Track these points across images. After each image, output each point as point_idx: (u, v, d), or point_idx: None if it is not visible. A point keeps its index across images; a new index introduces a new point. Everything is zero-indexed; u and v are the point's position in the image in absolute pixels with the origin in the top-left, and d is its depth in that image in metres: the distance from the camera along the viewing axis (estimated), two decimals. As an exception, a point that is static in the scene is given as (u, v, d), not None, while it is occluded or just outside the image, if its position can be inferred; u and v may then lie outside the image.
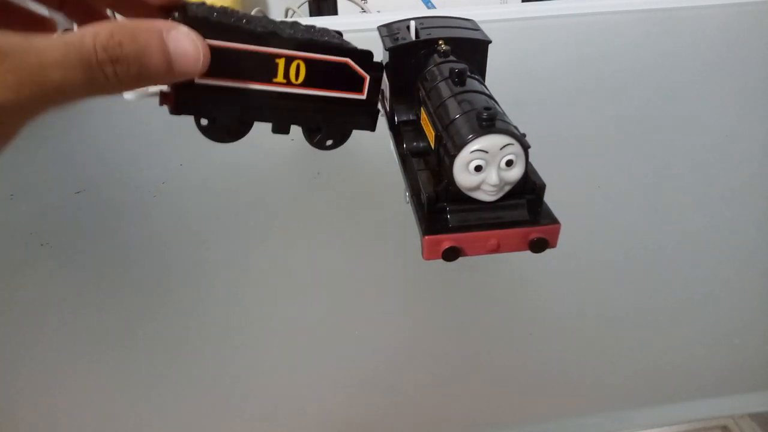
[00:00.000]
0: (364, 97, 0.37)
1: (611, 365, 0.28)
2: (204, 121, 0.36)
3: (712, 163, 0.42)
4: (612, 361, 0.29)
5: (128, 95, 0.33)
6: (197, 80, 0.33)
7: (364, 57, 0.35)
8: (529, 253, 0.28)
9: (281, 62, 0.34)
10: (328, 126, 0.39)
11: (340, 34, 0.39)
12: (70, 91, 0.23)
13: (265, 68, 0.34)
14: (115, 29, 0.24)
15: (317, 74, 0.35)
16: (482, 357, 0.29)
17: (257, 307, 0.32)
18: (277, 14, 0.93)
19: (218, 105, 0.35)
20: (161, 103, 0.34)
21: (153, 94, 0.34)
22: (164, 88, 0.33)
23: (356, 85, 0.36)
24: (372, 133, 0.40)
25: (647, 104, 0.50)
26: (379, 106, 0.40)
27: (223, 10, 0.34)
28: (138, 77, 0.25)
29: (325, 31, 0.38)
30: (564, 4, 0.70)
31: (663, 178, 0.41)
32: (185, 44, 0.26)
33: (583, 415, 0.27)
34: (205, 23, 0.31)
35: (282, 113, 0.36)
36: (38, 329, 0.31)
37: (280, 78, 0.34)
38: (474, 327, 0.31)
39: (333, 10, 0.85)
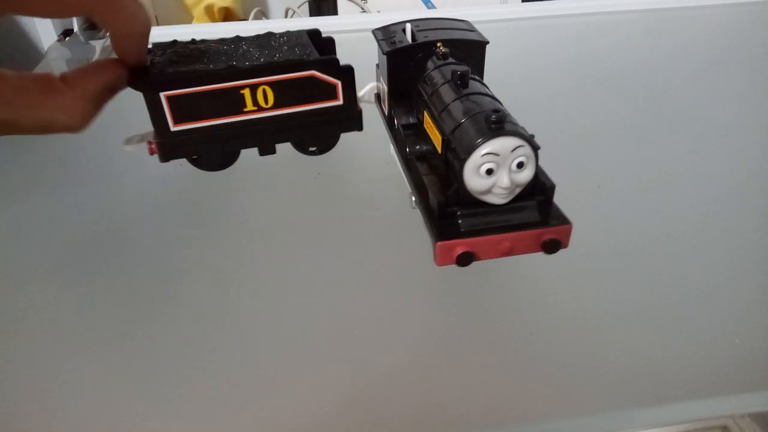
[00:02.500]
0: (340, 102, 0.36)
1: (611, 365, 0.28)
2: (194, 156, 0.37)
3: (712, 162, 0.42)
4: (612, 361, 0.29)
5: (128, 147, 0.35)
6: (173, 128, 0.34)
7: (329, 64, 0.35)
8: (529, 254, 0.29)
9: (246, 92, 0.34)
10: (313, 136, 0.39)
11: (316, 33, 0.39)
12: None
13: (233, 101, 0.34)
14: None
15: (286, 93, 0.35)
16: (482, 357, 0.29)
17: (256, 307, 0.32)
18: (277, 14, 0.93)
19: (199, 145, 0.36)
20: (150, 152, 0.35)
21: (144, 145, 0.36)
22: (151, 138, 0.34)
23: (329, 93, 0.36)
24: (372, 133, 0.40)
25: (647, 104, 0.50)
26: (377, 108, 0.40)
27: (182, 51, 0.35)
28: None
29: (292, 36, 0.37)
30: (564, 4, 0.70)
31: (663, 177, 0.41)
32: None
33: (583, 415, 0.27)
34: (166, 77, 0.33)
35: (263, 137, 0.37)
36: (37, 329, 0.31)
37: (250, 106, 0.35)
38: (473, 327, 0.31)
39: (333, 10, 0.85)
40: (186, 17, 0.96)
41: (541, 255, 0.28)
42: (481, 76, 0.36)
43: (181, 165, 0.38)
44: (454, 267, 0.28)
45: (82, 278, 0.34)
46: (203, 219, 0.39)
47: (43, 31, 0.65)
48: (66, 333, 0.31)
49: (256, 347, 0.30)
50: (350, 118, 0.38)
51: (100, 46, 0.61)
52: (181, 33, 0.35)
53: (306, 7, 0.87)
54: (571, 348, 0.29)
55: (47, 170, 0.43)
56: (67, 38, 0.63)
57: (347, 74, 0.36)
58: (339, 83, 0.36)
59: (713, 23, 0.67)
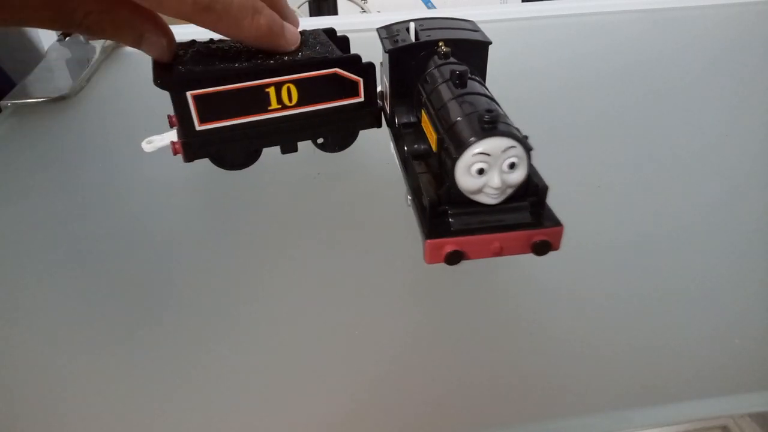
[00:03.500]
0: (362, 99, 0.37)
1: (611, 365, 0.28)
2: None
3: (712, 162, 0.42)
4: (612, 361, 0.29)
5: (147, 147, 0.35)
6: (198, 127, 0.34)
7: (351, 62, 0.35)
8: (527, 254, 0.29)
9: (271, 90, 0.34)
10: (334, 134, 0.39)
11: (332, 31, 0.39)
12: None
13: (257, 100, 0.34)
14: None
15: (309, 91, 0.35)
16: (482, 357, 0.29)
17: (255, 307, 0.32)
18: (277, 14, 0.93)
19: (224, 145, 0.36)
20: (174, 152, 0.35)
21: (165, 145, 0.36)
22: (174, 138, 0.34)
23: (351, 90, 0.36)
24: (371, 134, 0.40)
25: (647, 104, 0.50)
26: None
27: (204, 51, 0.36)
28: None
29: (309, 35, 0.38)
30: (564, 4, 0.70)
31: (663, 177, 0.41)
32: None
33: (583, 415, 0.27)
34: (194, 76, 0.33)
35: (286, 135, 0.37)
36: (37, 329, 0.31)
37: (274, 105, 0.35)
38: (473, 327, 0.31)
39: (333, 10, 0.85)
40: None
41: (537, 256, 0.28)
42: (483, 77, 0.36)
43: (181, 165, 0.38)
44: (454, 267, 0.28)
45: (82, 279, 0.34)
46: (201, 218, 0.39)
47: (43, 31, 0.65)
48: (67, 333, 0.31)
49: (254, 346, 0.30)
50: (370, 114, 0.38)
51: (100, 46, 0.61)
52: (188, 33, 0.35)
53: (306, 7, 0.87)
54: (571, 348, 0.29)
55: (47, 170, 0.43)
56: (67, 38, 0.63)
57: (369, 71, 0.36)
58: (361, 80, 0.36)
59: (713, 23, 0.67)
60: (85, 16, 0.30)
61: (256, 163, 0.39)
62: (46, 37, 0.65)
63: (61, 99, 0.53)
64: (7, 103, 0.52)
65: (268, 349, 0.30)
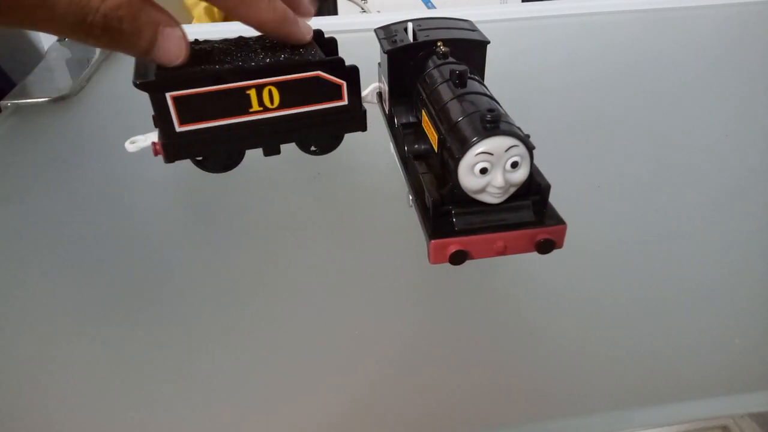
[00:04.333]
0: (345, 102, 0.36)
1: (611, 365, 0.28)
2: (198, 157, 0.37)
3: (712, 162, 0.42)
4: (612, 361, 0.29)
5: (130, 147, 0.35)
6: (178, 129, 0.34)
7: (335, 65, 0.35)
8: (527, 253, 0.28)
9: (252, 92, 0.34)
10: (318, 137, 0.39)
11: (319, 33, 0.39)
12: (50, 28, 0.27)
13: (238, 102, 0.34)
14: (123, 4, 0.27)
15: (291, 94, 0.35)
16: (482, 357, 0.29)
17: (255, 308, 0.32)
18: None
19: (205, 146, 0.36)
20: (155, 153, 0.35)
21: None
22: (155, 139, 0.34)
23: (334, 93, 0.36)
24: (371, 134, 0.40)
25: (647, 104, 0.50)
26: (378, 107, 0.40)
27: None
28: (116, 47, 0.29)
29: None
30: (564, 4, 0.70)
31: (663, 177, 0.41)
32: (172, 44, 0.30)
33: (583, 415, 0.27)
34: (172, 78, 0.33)
35: (268, 138, 0.37)
36: (37, 328, 0.31)
37: (255, 107, 0.35)
38: (473, 327, 0.31)
39: (333, 10, 0.85)
40: (186, 17, 0.96)
41: (541, 255, 0.28)
42: (482, 76, 0.36)
43: (180, 165, 0.38)
44: (454, 267, 0.28)
45: (82, 279, 0.34)
46: (202, 219, 0.39)
47: (44, 31, 0.65)
48: (66, 332, 0.31)
49: (253, 346, 0.30)
50: (355, 118, 0.38)
51: (100, 46, 0.61)
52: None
53: (306, 7, 0.87)
54: (571, 348, 0.29)
55: (47, 170, 0.43)
56: (66, 38, 0.63)
57: (352, 75, 0.36)
58: (344, 84, 0.36)
59: (713, 23, 0.67)
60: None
61: (256, 163, 0.39)
62: (46, 37, 0.65)
63: (61, 99, 0.53)
64: (7, 103, 0.52)
65: (268, 350, 0.30)
